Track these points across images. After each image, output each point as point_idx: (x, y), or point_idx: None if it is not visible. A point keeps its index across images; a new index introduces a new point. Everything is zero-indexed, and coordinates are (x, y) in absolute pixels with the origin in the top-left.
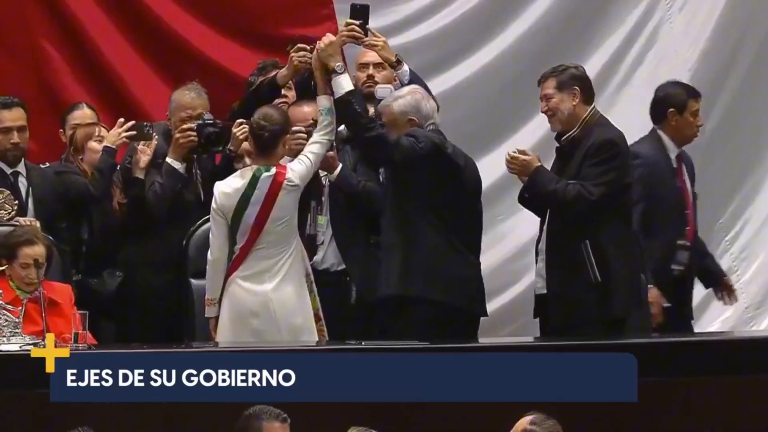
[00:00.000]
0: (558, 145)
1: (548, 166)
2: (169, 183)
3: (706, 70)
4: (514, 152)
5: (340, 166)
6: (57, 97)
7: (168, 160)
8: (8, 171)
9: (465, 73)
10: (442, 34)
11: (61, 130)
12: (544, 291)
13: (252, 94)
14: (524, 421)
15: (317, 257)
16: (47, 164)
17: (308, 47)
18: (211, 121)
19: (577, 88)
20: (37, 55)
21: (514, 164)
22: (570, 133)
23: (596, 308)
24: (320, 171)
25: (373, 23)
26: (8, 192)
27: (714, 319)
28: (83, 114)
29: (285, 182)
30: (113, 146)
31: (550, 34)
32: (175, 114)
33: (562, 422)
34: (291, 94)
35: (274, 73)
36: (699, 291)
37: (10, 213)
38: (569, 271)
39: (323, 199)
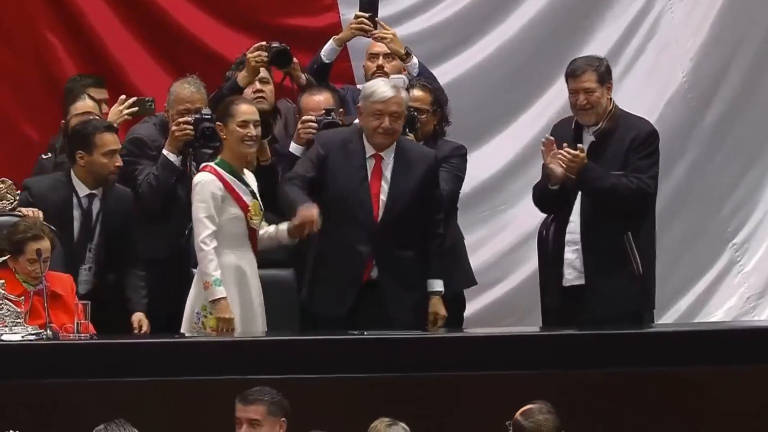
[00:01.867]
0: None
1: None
2: (163, 174)
3: (708, 60)
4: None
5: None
6: (60, 87)
7: (164, 152)
8: (84, 192)
9: (466, 65)
10: (443, 26)
11: (63, 121)
12: (577, 282)
13: (213, 99)
14: (521, 410)
15: None
16: (48, 155)
17: (264, 46)
18: (209, 116)
19: (610, 81)
20: (40, 47)
21: (575, 162)
22: (599, 126)
23: (637, 300)
24: None
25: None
26: (10, 182)
27: (717, 308)
28: (85, 105)
29: None
30: (115, 124)
31: (552, 24)
32: (173, 107)
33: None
34: (268, 89)
35: (235, 76)
36: (703, 282)
37: (12, 203)
38: (611, 263)
39: None
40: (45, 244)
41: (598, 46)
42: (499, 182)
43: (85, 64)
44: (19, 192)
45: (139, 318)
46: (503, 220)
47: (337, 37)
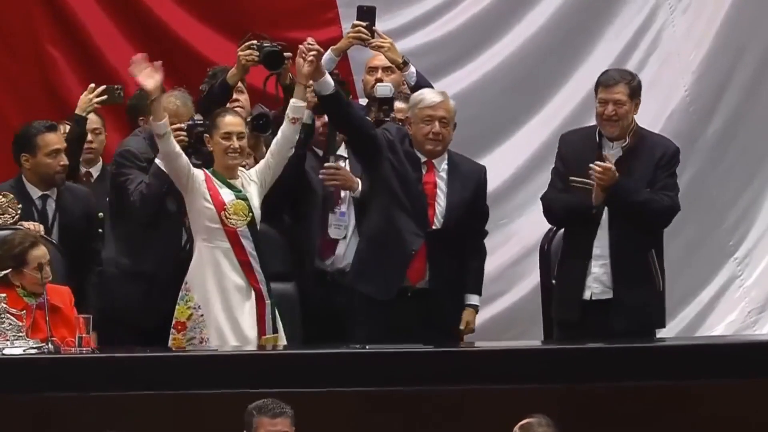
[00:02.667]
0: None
1: (549, 164)
2: (155, 183)
3: (710, 73)
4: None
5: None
6: (62, 101)
7: (156, 161)
8: (36, 195)
9: (469, 77)
10: (447, 39)
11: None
12: (603, 297)
13: (206, 98)
14: (520, 424)
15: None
16: None
17: (255, 44)
18: (201, 122)
19: (639, 99)
20: (43, 60)
21: (607, 175)
22: (627, 142)
23: (656, 316)
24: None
25: (381, 26)
26: (12, 196)
27: (719, 322)
28: (89, 120)
29: None
30: (83, 114)
31: (555, 37)
32: None
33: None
34: (243, 98)
35: (215, 69)
36: (705, 296)
37: (14, 217)
38: (637, 278)
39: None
40: (44, 250)
41: (600, 59)
42: (502, 196)
43: (86, 77)
44: (20, 206)
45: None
46: (505, 234)
47: (334, 47)
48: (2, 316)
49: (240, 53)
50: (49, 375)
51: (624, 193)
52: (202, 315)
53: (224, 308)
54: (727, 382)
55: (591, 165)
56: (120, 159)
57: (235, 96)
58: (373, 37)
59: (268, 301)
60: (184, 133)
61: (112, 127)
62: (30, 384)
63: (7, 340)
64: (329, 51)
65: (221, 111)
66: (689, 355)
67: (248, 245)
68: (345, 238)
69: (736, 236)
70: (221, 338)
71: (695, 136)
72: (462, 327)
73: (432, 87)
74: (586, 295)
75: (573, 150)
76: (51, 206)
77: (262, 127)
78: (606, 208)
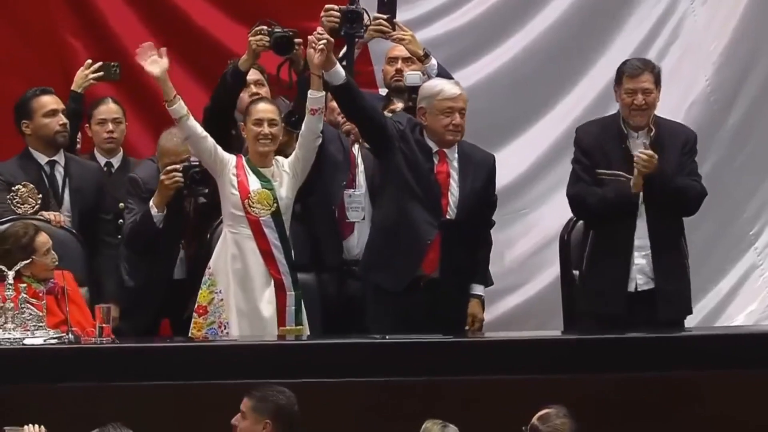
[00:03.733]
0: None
1: (567, 156)
2: (142, 228)
3: (730, 63)
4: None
5: None
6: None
7: (151, 203)
8: (44, 161)
9: (488, 68)
10: (465, 29)
11: (87, 125)
12: (647, 287)
13: (219, 87)
14: (538, 414)
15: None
16: None
17: (265, 30)
18: (197, 163)
19: (661, 85)
20: (63, 50)
21: (651, 163)
22: (652, 131)
23: (687, 303)
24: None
25: (399, 16)
26: (32, 186)
27: (739, 312)
28: (109, 109)
29: None
30: (80, 90)
31: (574, 26)
32: (161, 159)
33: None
34: (264, 90)
35: (235, 61)
36: (725, 285)
37: (34, 207)
38: (674, 267)
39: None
40: (45, 235)
41: (620, 49)
42: (521, 186)
43: None
44: (40, 196)
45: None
46: (525, 224)
47: None
48: (22, 306)
49: (251, 38)
50: (69, 365)
51: (665, 180)
52: (222, 300)
53: (243, 294)
54: (747, 373)
55: (637, 153)
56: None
57: (255, 90)
58: (394, 29)
59: (290, 293)
60: (180, 174)
61: (134, 117)
62: (51, 374)
63: (28, 330)
64: None
65: (255, 99)
66: (708, 346)
67: (271, 235)
68: (363, 220)
69: (756, 226)
70: (239, 323)
71: (716, 126)
72: (469, 323)
73: (453, 79)
74: (631, 287)
75: (595, 141)
76: (60, 171)
77: (295, 124)
78: (642, 198)
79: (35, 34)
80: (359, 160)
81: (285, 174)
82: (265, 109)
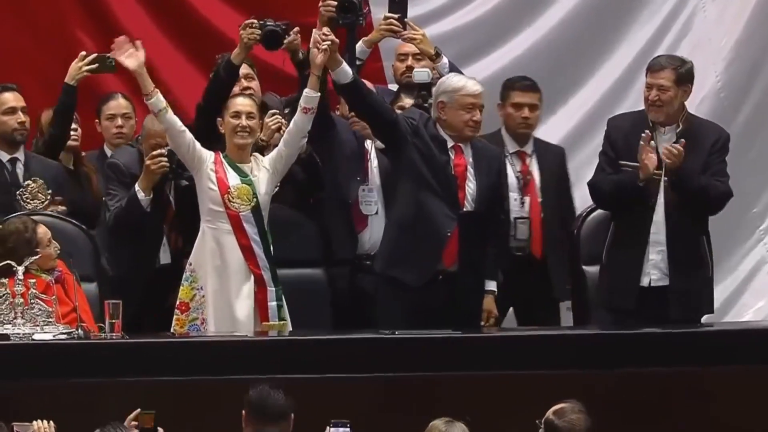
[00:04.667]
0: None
1: (578, 152)
2: (129, 211)
3: (741, 59)
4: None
5: None
6: (92, 87)
7: (136, 187)
8: (5, 158)
9: (497, 64)
10: (474, 25)
11: (97, 120)
12: (661, 283)
13: (212, 82)
14: (553, 409)
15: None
16: None
17: (256, 24)
18: None
19: (690, 85)
20: (71, 46)
21: (677, 158)
22: (680, 128)
23: (707, 302)
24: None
25: (409, 12)
26: (42, 181)
27: (748, 308)
28: (118, 104)
29: None
30: (73, 83)
31: (584, 22)
32: (145, 140)
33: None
34: (255, 84)
35: (224, 56)
36: (733, 281)
37: (43, 202)
38: (692, 264)
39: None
40: (43, 226)
41: (630, 44)
42: None
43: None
44: (50, 191)
45: None
46: None
47: (366, 38)
48: (32, 302)
49: (242, 32)
50: (78, 360)
51: (688, 177)
52: (203, 296)
53: (221, 290)
54: (757, 369)
55: (667, 146)
56: (107, 170)
57: (246, 84)
58: (404, 28)
59: (271, 288)
60: (166, 159)
61: (143, 112)
62: (60, 369)
63: (37, 325)
64: (360, 42)
65: (233, 94)
66: (717, 342)
67: (250, 230)
68: (377, 213)
69: (766, 221)
70: (216, 320)
71: (726, 121)
72: (484, 318)
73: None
74: (644, 282)
75: (623, 135)
76: (20, 168)
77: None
78: (661, 194)
79: (43, 28)
80: (372, 155)
81: (264, 170)
82: (243, 103)
